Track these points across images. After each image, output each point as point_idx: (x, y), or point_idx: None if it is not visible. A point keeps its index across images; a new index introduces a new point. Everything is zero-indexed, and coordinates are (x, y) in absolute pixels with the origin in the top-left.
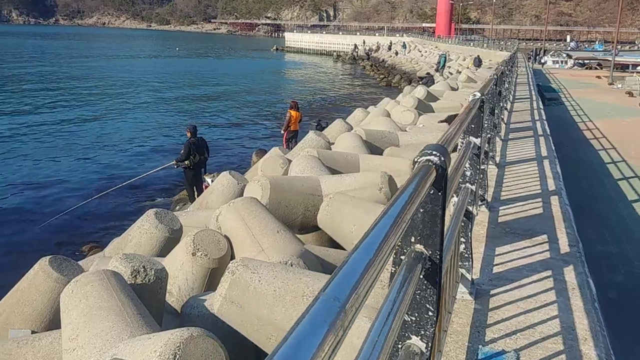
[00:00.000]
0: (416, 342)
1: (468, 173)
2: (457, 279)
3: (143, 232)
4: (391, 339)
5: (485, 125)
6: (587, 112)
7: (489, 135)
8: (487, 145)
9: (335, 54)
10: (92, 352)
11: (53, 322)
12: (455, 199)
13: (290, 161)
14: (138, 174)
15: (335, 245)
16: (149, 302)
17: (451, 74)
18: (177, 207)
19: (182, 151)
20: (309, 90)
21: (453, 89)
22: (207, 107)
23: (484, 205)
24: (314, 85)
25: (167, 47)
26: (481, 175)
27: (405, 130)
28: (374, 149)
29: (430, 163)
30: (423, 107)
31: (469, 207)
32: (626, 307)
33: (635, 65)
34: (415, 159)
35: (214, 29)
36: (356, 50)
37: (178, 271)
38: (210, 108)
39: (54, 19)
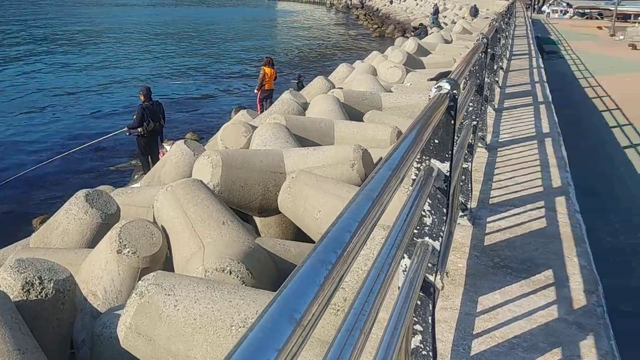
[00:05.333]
0: (430, 241)
1: (470, 109)
2: (457, 206)
3: (71, 217)
4: (407, 237)
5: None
6: (589, 67)
7: (488, 80)
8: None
9: (328, 2)
10: None
11: None
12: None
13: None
14: (103, 134)
15: (301, 231)
16: (45, 323)
17: (445, 24)
18: (136, 176)
19: (135, 116)
20: (295, 41)
21: (447, 41)
22: (184, 60)
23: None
24: (302, 35)
25: None
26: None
27: (390, 91)
28: (354, 114)
29: (443, 92)
30: (413, 62)
31: (471, 140)
32: None
33: (637, 15)
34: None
35: None
36: None
37: (102, 270)
38: (187, 62)
39: None
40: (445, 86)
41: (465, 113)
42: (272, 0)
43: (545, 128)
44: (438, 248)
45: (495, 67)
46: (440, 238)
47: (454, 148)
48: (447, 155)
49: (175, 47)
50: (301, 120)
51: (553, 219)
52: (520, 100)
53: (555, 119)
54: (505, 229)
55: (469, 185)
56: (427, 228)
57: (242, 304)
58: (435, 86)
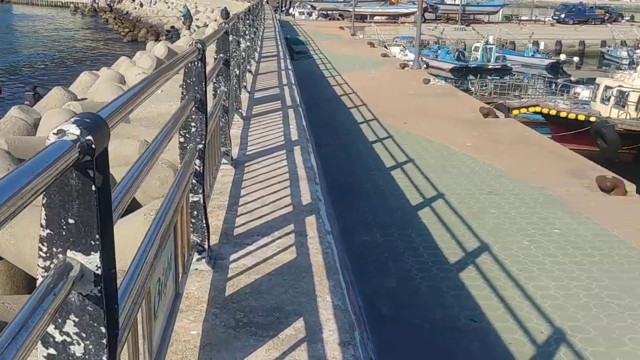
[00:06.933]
0: None
1: (193, 130)
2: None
3: None
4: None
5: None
6: (335, 66)
7: (225, 89)
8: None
9: (72, 5)
10: None
11: None
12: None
13: None
14: None
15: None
16: None
17: (198, 27)
18: None
19: None
20: (35, 49)
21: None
22: None
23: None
24: (42, 42)
25: None
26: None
27: None
28: None
29: (68, 140)
30: None
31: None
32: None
33: (372, 16)
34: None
35: None
36: (96, 1)
37: None
38: None
39: None
40: (72, 130)
41: (187, 136)
42: (6, 4)
43: (295, 135)
44: None
45: (238, 72)
46: None
47: (113, 223)
48: (93, 243)
49: None
50: (28, 141)
51: (303, 245)
52: (270, 105)
53: (304, 123)
54: (251, 268)
55: (204, 222)
56: None
57: None
58: (56, 130)
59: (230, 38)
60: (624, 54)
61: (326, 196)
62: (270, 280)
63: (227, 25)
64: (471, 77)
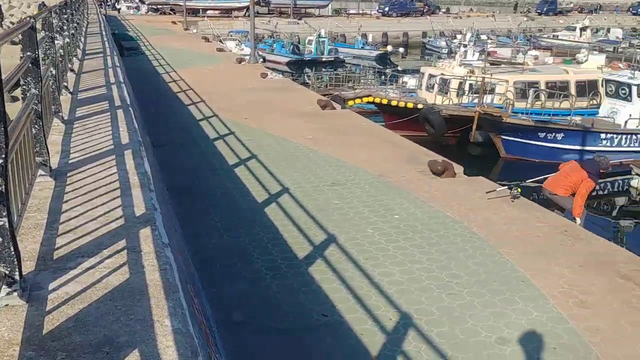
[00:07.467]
0: None
1: None
2: None
3: None
4: None
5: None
6: (170, 62)
7: (36, 91)
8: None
9: None
10: None
11: None
12: None
13: None
14: None
15: None
16: None
17: (13, 23)
18: None
19: None
20: None
21: (14, 43)
22: None
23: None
24: None
25: None
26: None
27: None
28: None
29: None
30: None
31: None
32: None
33: (204, 10)
34: None
35: None
36: None
37: None
38: None
39: None
40: None
41: None
42: None
43: (125, 138)
44: None
45: (55, 71)
46: None
47: None
48: None
49: None
50: None
51: (137, 263)
52: (96, 106)
53: (136, 124)
54: (75, 296)
55: (12, 249)
56: None
57: None
58: None
59: (42, 34)
60: (443, 43)
61: (164, 203)
62: (99, 309)
63: (32, 20)
64: (307, 70)
